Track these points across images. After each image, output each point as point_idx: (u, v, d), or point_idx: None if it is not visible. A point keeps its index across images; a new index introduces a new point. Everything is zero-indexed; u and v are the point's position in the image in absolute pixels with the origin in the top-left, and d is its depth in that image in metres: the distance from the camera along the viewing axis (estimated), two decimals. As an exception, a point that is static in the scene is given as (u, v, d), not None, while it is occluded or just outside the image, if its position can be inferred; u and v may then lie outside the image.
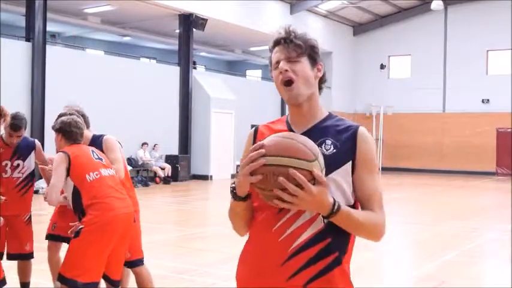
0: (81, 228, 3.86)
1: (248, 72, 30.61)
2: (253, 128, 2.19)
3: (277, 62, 2.04)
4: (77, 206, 3.97)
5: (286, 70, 2.00)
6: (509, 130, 25.26)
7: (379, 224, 1.97)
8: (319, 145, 1.96)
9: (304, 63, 2.02)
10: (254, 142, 2.07)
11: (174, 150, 20.06)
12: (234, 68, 30.69)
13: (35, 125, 15.25)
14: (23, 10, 16.50)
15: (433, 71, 27.58)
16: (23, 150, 4.99)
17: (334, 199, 1.86)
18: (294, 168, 1.78)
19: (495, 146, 25.95)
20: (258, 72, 30.86)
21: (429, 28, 27.62)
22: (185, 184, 18.92)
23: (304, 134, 1.99)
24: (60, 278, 3.91)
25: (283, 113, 25.30)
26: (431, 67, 27.59)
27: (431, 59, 27.61)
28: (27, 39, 15.82)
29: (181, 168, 19.61)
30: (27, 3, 16.09)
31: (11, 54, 14.98)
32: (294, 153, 1.81)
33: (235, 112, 21.65)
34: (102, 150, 4.39)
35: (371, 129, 28.02)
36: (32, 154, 5.04)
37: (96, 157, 4.12)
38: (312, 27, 26.57)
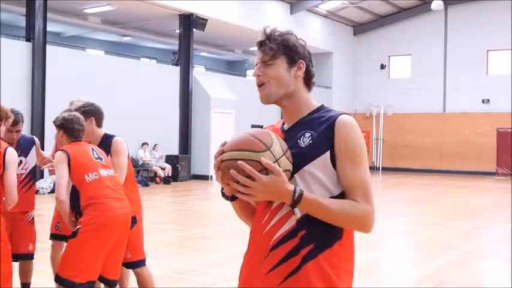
0: (78, 228, 3.86)
1: (248, 72, 30.61)
2: None
3: (256, 65, 2.08)
4: (74, 205, 3.96)
5: (259, 75, 2.04)
6: (510, 130, 25.25)
7: (359, 215, 1.90)
8: (299, 138, 1.98)
9: (279, 65, 2.02)
10: None
11: (174, 150, 20.07)
12: (234, 68, 30.70)
13: (35, 125, 15.26)
14: (23, 10, 16.50)
15: (433, 71, 27.58)
16: (25, 146, 4.98)
17: (295, 187, 1.85)
18: (243, 160, 1.84)
19: (495, 146, 25.95)
20: (258, 72, 30.87)
21: (429, 28, 27.62)
22: (185, 184, 18.92)
23: (290, 128, 2.05)
24: (56, 278, 3.92)
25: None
26: (432, 67, 27.58)
27: (431, 59, 27.61)
28: (28, 39, 15.82)
29: (181, 168, 19.62)
30: (27, 3, 16.09)
31: (11, 54, 14.98)
32: (243, 145, 1.88)
33: (236, 112, 21.65)
34: (110, 151, 4.37)
35: (371, 129, 28.04)
36: (33, 150, 5.04)
37: (96, 156, 4.09)
38: (312, 27, 26.57)
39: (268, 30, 2.05)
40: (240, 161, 1.83)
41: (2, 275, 3.67)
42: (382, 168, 27.40)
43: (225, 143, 1.94)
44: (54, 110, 17.20)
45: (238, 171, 1.83)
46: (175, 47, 21.74)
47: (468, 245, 8.90)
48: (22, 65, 15.46)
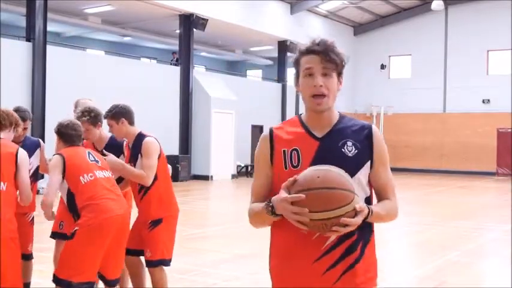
0: (76, 230, 3.89)
1: (248, 72, 30.62)
2: (268, 131, 2.28)
3: (309, 71, 2.18)
4: (71, 207, 4.01)
5: (321, 85, 2.17)
6: (510, 130, 25.24)
7: (394, 211, 2.28)
8: (341, 147, 2.18)
9: (335, 79, 2.22)
10: (271, 145, 2.23)
11: (175, 151, 20.06)
12: (235, 68, 30.70)
13: (36, 125, 15.23)
14: (24, 10, 16.50)
15: (433, 71, 27.57)
16: (30, 147, 4.95)
17: (368, 207, 2.10)
18: (342, 215, 2.00)
19: (495, 146, 25.94)
20: (259, 72, 30.87)
21: (430, 28, 27.62)
22: (186, 184, 18.91)
23: (324, 136, 2.20)
24: (54, 279, 3.94)
25: (283, 113, 25.34)
26: (432, 67, 27.58)
27: (431, 59, 27.60)
28: (28, 40, 15.82)
29: (181, 168, 19.61)
30: (27, 3, 16.09)
31: (11, 54, 14.98)
32: (338, 203, 2.00)
33: (236, 112, 21.65)
34: (140, 151, 4.43)
35: (371, 129, 28.02)
36: (38, 151, 5.03)
37: (92, 159, 4.13)
38: (312, 27, 26.56)
39: (329, 42, 2.22)
40: (343, 219, 2.00)
41: (14, 274, 3.71)
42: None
43: (295, 180, 2.04)
44: (54, 110, 17.20)
45: (338, 224, 2.01)
46: (176, 47, 21.74)
47: (468, 245, 8.90)
48: (22, 65, 15.46)
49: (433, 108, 27.45)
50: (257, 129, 24.14)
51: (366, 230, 2.19)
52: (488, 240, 9.56)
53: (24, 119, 4.77)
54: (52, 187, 3.98)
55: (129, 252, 4.42)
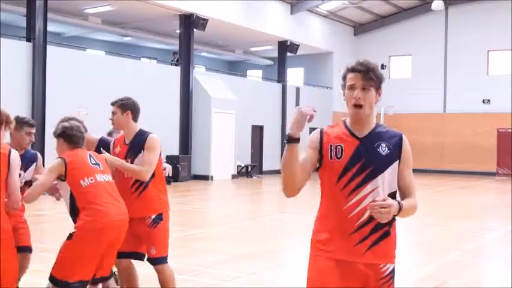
0: (74, 232, 3.91)
1: (249, 72, 30.60)
2: (319, 130, 2.84)
3: (352, 86, 2.74)
4: (72, 209, 4.03)
5: (359, 98, 2.71)
6: (510, 130, 25.24)
7: (415, 208, 2.78)
8: (377, 147, 2.72)
9: (372, 92, 2.74)
10: (321, 142, 2.75)
11: (175, 151, 20.06)
12: (235, 68, 30.69)
13: (36, 125, 15.24)
14: (24, 10, 16.50)
15: (433, 71, 27.57)
16: (27, 160, 4.81)
17: (399, 202, 2.63)
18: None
19: (495, 146, 25.94)
20: (259, 73, 30.85)
21: (430, 28, 27.62)
22: (186, 184, 18.92)
23: (364, 137, 2.74)
24: (51, 279, 3.96)
25: (283, 113, 25.39)
26: (432, 67, 27.58)
27: (432, 59, 27.60)
28: (28, 40, 15.82)
29: (181, 168, 19.62)
30: (27, 3, 16.08)
31: (11, 54, 14.97)
32: None
33: (236, 112, 21.65)
34: (143, 146, 4.51)
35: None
36: (33, 166, 4.86)
37: (93, 162, 4.14)
38: (312, 27, 26.57)
39: (371, 64, 2.78)
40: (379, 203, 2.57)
41: (10, 274, 3.70)
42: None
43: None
44: (54, 110, 17.17)
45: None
46: (176, 47, 21.74)
47: (469, 245, 8.90)
48: (22, 65, 15.45)
49: (433, 108, 27.45)
50: (257, 129, 24.15)
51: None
52: (489, 240, 9.55)
53: (32, 125, 4.80)
54: (41, 186, 4.03)
55: (122, 255, 4.41)
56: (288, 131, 2.63)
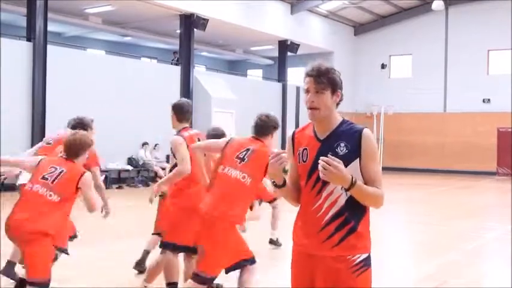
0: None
1: (249, 72, 30.60)
2: (291, 135, 3.00)
3: (307, 90, 2.87)
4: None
5: (313, 101, 2.82)
6: (510, 130, 25.23)
7: (381, 196, 2.81)
8: (336, 147, 2.80)
9: (326, 94, 2.85)
10: (293, 149, 2.94)
11: (175, 150, 20.03)
12: (235, 67, 30.68)
13: (36, 125, 15.25)
14: (24, 10, 16.50)
15: (434, 71, 27.56)
16: None
17: (351, 176, 2.66)
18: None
19: (496, 145, 25.93)
20: (259, 72, 30.85)
21: (430, 28, 27.60)
22: (186, 184, 18.87)
23: (325, 138, 2.85)
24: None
25: (283, 113, 25.36)
26: (432, 67, 27.56)
27: (432, 58, 27.59)
28: (28, 39, 15.82)
29: (182, 168, 19.57)
30: (28, 3, 16.08)
31: (11, 54, 14.98)
32: None
33: (236, 112, 21.64)
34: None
35: (372, 129, 28.03)
36: None
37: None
38: (312, 27, 26.57)
39: (322, 68, 2.87)
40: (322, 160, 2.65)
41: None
42: (382, 168, 27.27)
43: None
44: (54, 110, 17.14)
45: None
46: (176, 47, 21.74)
47: (469, 244, 8.90)
48: (23, 65, 15.45)
49: (434, 108, 27.44)
50: (257, 129, 24.13)
51: (357, 211, 2.81)
52: (489, 240, 9.55)
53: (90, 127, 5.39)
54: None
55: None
56: (271, 181, 2.91)
